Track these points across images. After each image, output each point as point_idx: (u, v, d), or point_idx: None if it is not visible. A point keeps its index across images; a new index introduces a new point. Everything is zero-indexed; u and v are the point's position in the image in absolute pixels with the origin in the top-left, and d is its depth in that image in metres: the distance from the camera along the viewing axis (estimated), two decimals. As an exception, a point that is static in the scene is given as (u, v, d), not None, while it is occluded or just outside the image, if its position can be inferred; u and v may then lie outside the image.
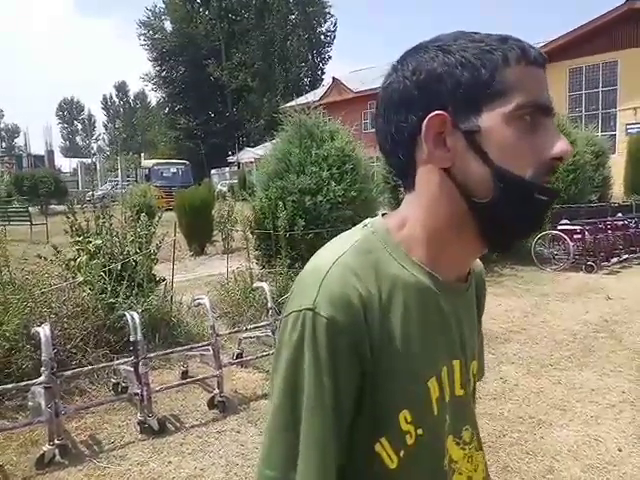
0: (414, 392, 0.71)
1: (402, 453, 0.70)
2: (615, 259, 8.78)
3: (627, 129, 17.30)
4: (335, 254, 0.71)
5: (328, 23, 48.33)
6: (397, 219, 0.77)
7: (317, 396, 0.65)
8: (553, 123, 0.71)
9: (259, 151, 23.75)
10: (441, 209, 0.72)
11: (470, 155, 0.69)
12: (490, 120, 0.68)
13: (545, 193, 0.70)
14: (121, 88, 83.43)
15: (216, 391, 3.75)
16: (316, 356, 0.65)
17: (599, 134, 14.71)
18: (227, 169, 35.20)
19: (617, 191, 13.15)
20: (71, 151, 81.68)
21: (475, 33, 0.71)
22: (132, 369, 3.52)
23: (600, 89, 18.31)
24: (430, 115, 0.69)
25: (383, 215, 0.80)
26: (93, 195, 21.33)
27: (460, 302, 0.78)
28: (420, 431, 0.71)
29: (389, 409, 0.69)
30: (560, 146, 0.69)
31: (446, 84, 0.69)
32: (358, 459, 0.70)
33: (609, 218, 9.31)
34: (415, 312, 0.71)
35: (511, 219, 0.70)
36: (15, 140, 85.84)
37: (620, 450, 3.12)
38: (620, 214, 9.82)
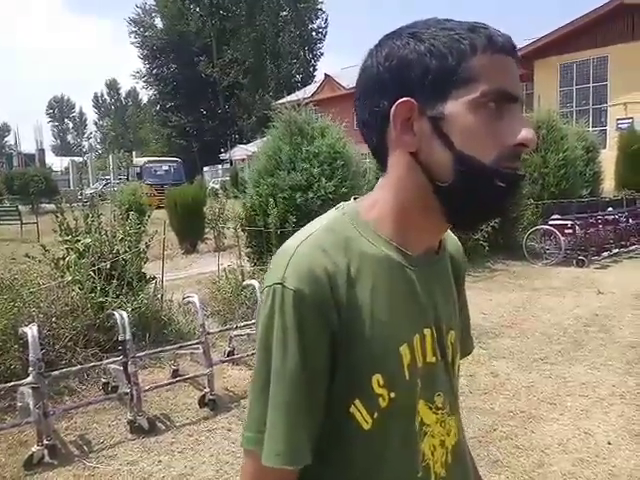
0: (385, 358, 0.74)
1: (375, 415, 0.74)
2: (606, 253, 8.84)
3: (618, 124, 17.34)
4: (304, 235, 0.76)
5: (319, 20, 48.25)
6: (368, 201, 0.81)
7: (282, 360, 0.70)
8: (520, 110, 0.73)
9: (251, 148, 23.70)
10: (409, 189, 0.75)
11: (434, 140, 0.71)
12: (455, 107, 0.70)
13: (506, 179, 0.71)
14: (112, 86, 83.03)
15: (207, 389, 3.73)
16: (283, 324, 0.70)
17: (590, 129, 14.76)
18: (219, 166, 35.13)
19: (608, 186, 13.19)
20: (62, 149, 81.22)
21: (448, 20, 0.73)
22: (121, 368, 3.50)
23: (591, 84, 18.35)
24: (398, 101, 0.71)
25: (355, 199, 0.83)
26: (82, 194, 21.19)
27: (431, 273, 0.81)
28: (393, 394, 0.74)
29: (362, 373, 0.73)
30: (524, 133, 0.70)
31: (415, 71, 0.71)
32: (334, 420, 0.74)
33: (600, 213, 9.34)
34: (384, 284, 0.75)
35: (471, 202, 0.73)
36: (5, 139, 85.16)
37: (610, 443, 3.14)
38: (611, 209, 9.86)
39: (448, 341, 0.83)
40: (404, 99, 0.71)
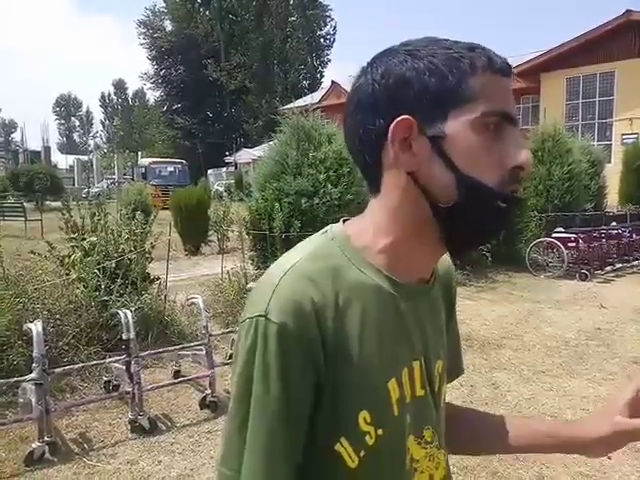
0: (373, 394, 0.71)
1: (362, 453, 0.71)
2: (609, 268, 8.83)
3: (623, 139, 17.37)
4: (291, 261, 0.71)
5: (328, 27, 48.50)
6: (359, 224, 0.77)
7: (264, 400, 0.66)
8: (517, 132, 0.72)
9: (257, 152, 23.75)
10: (405, 213, 0.72)
11: (435, 160, 0.69)
12: (455, 126, 0.68)
13: (507, 201, 0.70)
14: (119, 86, 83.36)
15: (208, 391, 3.74)
16: (265, 361, 0.66)
17: (595, 143, 14.78)
18: (224, 169, 35.17)
19: (612, 200, 13.20)
20: (68, 148, 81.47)
21: (444, 40, 0.71)
22: (124, 367, 3.51)
23: (597, 99, 18.40)
24: (397, 120, 0.69)
25: (344, 221, 0.79)
26: (89, 192, 21.25)
27: (422, 304, 0.79)
28: (380, 431, 0.71)
29: (348, 410, 0.70)
30: (524, 155, 0.69)
31: (414, 89, 0.69)
32: (319, 458, 0.70)
33: (603, 227, 9.36)
34: (373, 315, 0.71)
35: (472, 225, 0.71)
36: (12, 135, 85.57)
37: (610, 458, 3.12)
38: (614, 223, 9.87)
39: (436, 371, 0.81)
40: (403, 117, 0.69)
